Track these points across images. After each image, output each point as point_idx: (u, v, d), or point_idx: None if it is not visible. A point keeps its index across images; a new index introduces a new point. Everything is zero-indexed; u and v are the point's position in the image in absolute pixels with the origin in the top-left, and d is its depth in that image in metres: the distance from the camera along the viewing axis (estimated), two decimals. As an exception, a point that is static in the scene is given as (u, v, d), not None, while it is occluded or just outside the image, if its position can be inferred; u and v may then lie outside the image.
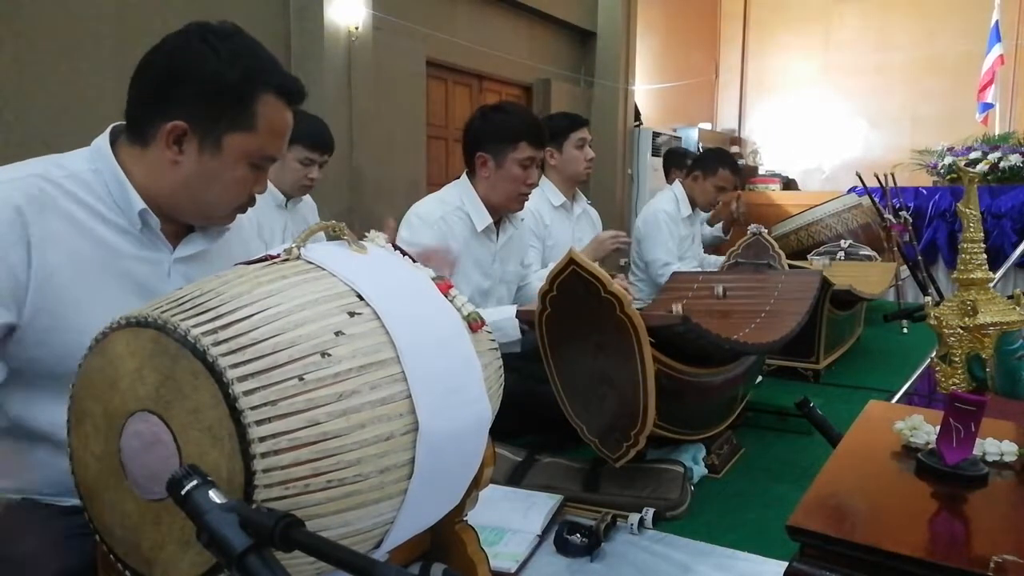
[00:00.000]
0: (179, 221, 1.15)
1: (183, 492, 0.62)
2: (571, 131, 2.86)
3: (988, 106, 6.86)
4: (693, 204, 3.58)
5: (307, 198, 3.01)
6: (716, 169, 3.49)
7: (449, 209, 2.10)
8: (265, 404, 0.69)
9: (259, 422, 0.69)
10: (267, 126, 1.09)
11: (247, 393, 0.69)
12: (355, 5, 4.49)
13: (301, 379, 0.72)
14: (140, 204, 1.08)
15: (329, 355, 0.74)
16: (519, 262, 2.35)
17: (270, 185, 2.74)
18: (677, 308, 2.26)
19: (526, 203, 2.77)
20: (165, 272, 1.13)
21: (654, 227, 3.47)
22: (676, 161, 4.87)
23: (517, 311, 1.93)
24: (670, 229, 3.44)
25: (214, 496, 0.62)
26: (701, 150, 6.42)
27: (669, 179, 4.81)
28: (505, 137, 2.08)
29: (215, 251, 1.20)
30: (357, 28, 4.50)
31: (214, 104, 1.05)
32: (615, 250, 2.66)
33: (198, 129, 1.06)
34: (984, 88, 6.85)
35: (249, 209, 1.18)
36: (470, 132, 2.15)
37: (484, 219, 2.13)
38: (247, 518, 0.60)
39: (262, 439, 0.68)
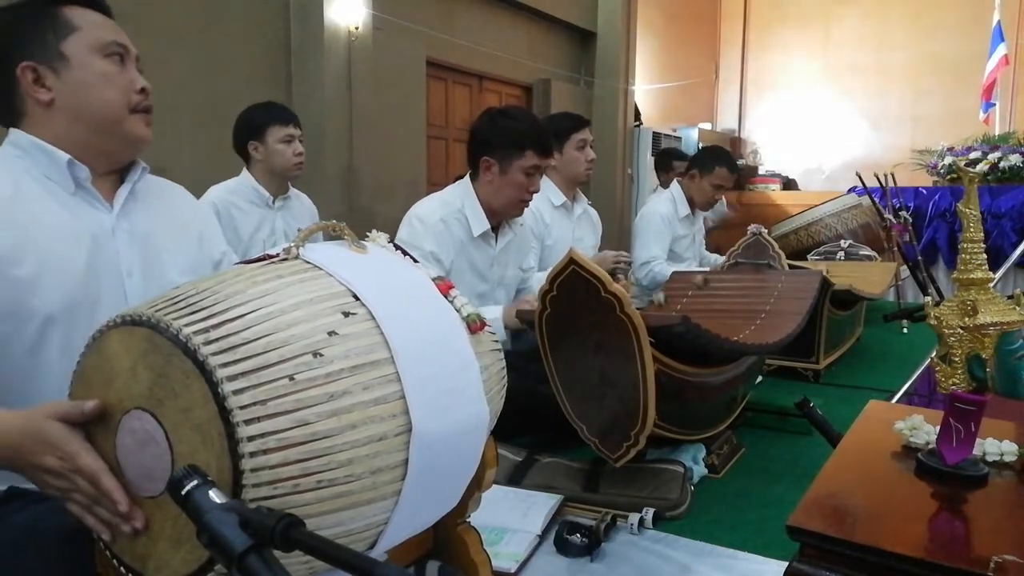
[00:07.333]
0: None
1: (183, 492, 0.62)
2: (572, 132, 2.85)
3: (990, 105, 6.86)
4: (692, 205, 3.57)
5: (304, 198, 2.94)
6: (713, 167, 3.46)
7: (450, 211, 2.10)
8: (254, 404, 0.69)
9: (248, 421, 0.69)
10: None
11: (236, 392, 0.69)
12: (355, 5, 4.50)
13: (291, 379, 0.72)
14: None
15: (321, 355, 0.74)
16: (519, 265, 2.35)
17: (253, 183, 2.69)
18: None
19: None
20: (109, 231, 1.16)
21: (644, 228, 3.48)
22: (664, 164, 4.88)
23: (517, 311, 1.93)
24: (660, 230, 3.44)
25: (214, 496, 0.62)
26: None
27: (661, 181, 4.82)
28: (512, 144, 2.06)
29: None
30: (357, 28, 4.50)
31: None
32: (615, 268, 2.67)
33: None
34: (988, 88, 6.85)
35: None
36: (477, 135, 2.13)
37: (482, 224, 2.12)
38: (247, 518, 0.60)
39: (250, 438, 0.68)
